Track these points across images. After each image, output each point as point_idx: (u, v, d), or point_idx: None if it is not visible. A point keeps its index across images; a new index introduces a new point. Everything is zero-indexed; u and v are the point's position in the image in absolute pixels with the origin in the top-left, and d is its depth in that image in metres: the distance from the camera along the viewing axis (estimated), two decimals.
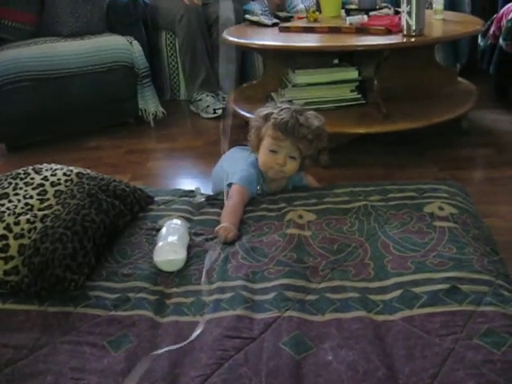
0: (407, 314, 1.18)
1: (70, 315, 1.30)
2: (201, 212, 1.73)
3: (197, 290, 1.35)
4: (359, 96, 2.58)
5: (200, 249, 1.51)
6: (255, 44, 2.48)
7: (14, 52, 2.99)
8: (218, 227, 1.55)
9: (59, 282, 1.34)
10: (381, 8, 2.76)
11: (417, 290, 1.24)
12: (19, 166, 1.79)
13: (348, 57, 2.74)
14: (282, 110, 1.69)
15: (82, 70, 3.03)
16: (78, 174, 1.66)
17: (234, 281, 1.35)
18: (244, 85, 3.20)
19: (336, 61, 2.77)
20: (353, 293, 1.27)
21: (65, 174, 1.65)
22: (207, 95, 3.44)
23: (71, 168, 1.70)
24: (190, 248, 1.51)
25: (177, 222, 1.56)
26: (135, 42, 3.17)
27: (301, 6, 3.60)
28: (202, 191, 1.84)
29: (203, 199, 1.75)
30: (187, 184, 2.49)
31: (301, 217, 1.59)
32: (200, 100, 3.44)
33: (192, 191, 1.83)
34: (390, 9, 2.73)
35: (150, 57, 3.55)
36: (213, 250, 1.47)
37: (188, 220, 1.66)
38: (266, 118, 1.70)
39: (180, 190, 1.90)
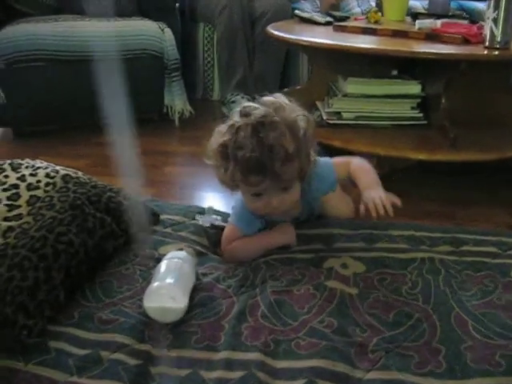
0: None
1: (16, 375, 0.94)
2: (215, 242, 1.35)
3: (196, 359, 0.97)
4: (421, 115, 2.17)
5: (207, 294, 1.13)
6: (304, 41, 2.09)
7: (30, 26, 2.65)
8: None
9: (7, 326, 0.97)
10: (454, 15, 2.35)
11: None
12: (21, 155, 1.46)
13: (410, 68, 2.33)
14: (237, 133, 1.17)
15: (106, 56, 2.68)
16: (64, 177, 1.29)
17: (248, 352, 0.97)
18: (285, 89, 2.82)
19: (395, 72, 2.37)
20: None
21: (47, 176, 1.29)
22: (242, 97, 3.06)
23: (58, 168, 1.34)
24: (194, 292, 1.13)
25: (181, 255, 1.18)
26: (167, 30, 2.81)
27: (357, 10, 3.21)
28: (221, 209, 1.48)
29: (208, 225, 1.38)
30: (208, 198, 2.11)
31: (345, 266, 1.20)
32: (234, 102, 3.07)
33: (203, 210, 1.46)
34: (465, 17, 2.32)
35: (184, 50, 3.20)
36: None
37: (199, 253, 1.28)
38: (223, 154, 1.20)
39: (196, 208, 1.52)
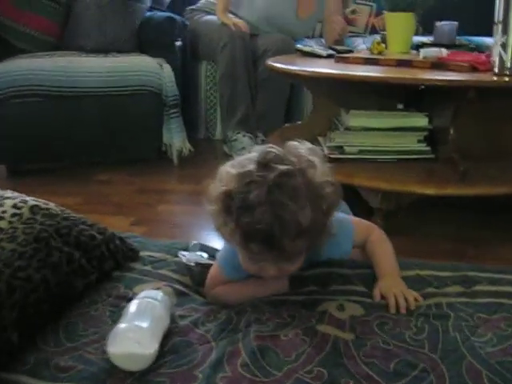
0: None
1: None
2: (199, 282, 1.21)
3: None
4: (428, 149, 2.05)
5: (182, 339, 0.99)
6: (304, 71, 1.99)
7: (26, 62, 2.60)
8: None
9: None
10: (461, 45, 2.25)
11: None
12: None
13: (416, 101, 2.23)
14: (248, 187, 0.96)
15: (102, 91, 2.61)
16: (32, 208, 1.17)
17: None
18: (286, 125, 2.72)
19: (400, 106, 2.26)
20: None
21: (15, 206, 1.17)
22: (244, 135, 2.97)
23: (28, 199, 1.22)
24: (168, 337, 0.99)
25: (156, 294, 1.04)
26: (166, 66, 2.74)
27: (362, 46, 3.14)
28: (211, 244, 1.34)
29: (192, 264, 1.23)
30: (202, 238, 1.98)
31: (341, 308, 1.05)
32: (235, 140, 2.98)
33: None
34: (472, 48, 2.22)
35: (186, 89, 3.14)
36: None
37: (179, 293, 1.15)
38: (226, 206, 0.99)
39: (180, 244, 1.39)
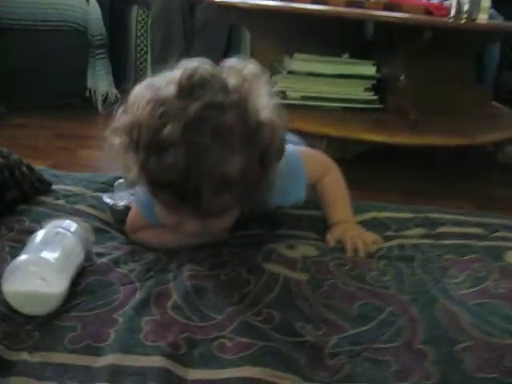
0: None
1: None
2: (122, 221, 1.02)
3: (66, 365, 0.65)
4: (375, 98, 1.92)
5: (99, 278, 0.80)
6: (245, 3, 1.79)
7: None
8: None
9: None
10: None
11: None
12: None
13: (362, 52, 2.09)
14: (162, 119, 0.74)
15: (18, 25, 2.32)
16: None
17: (146, 355, 0.65)
18: None
19: (346, 55, 2.12)
20: None
21: None
22: None
23: None
24: (81, 276, 0.80)
25: (68, 225, 0.85)
26: (92, 1, 2.47)
27: None
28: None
29: (121, 207, 1.03)
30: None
31: (292, 247, 0.89)
32: None
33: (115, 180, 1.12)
34: None
35: (115, 35, 2.88)
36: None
37: (98, 230, 0.95)
38: (131, 140, 0.77)
39: (102, 178, 1.18)
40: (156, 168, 0.74)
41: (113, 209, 1.04)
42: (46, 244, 0.78)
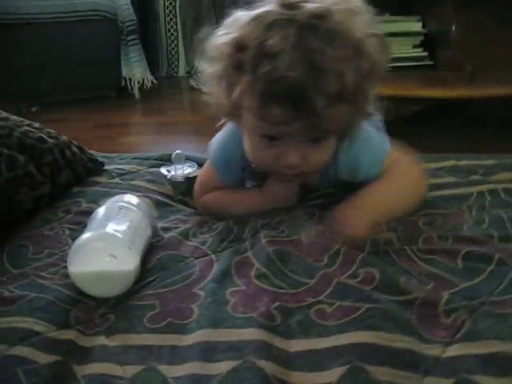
0: None
1: None
2: (184, 192, 0.95)
3: (150, 347, 0.58)
4: (425, 54, 1.81)
5: (171, 253, 0.74)
6: None
7: None
8: None
9: None
10: None
11: None
12: None
13: (401, 8, 1.98)
14: (269, 30, 0.68)
15: (47, 18, 2.27)
16: None
17: (239, 328, 0.58)
18: None
19: (387, 15, 2.01)
20: None
21: None
22: None
23: None
24: (150, 252, 0.74)
25: (131, 199, 0.78)
26: None
27: None
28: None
29: (181, 178, 0.95)
30: None
31: None
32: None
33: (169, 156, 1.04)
34: None
35: (144, 24, 2.82)
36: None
37: (161, 205, 0.89)
38: (234, 59, 0.71)
39: (156, 155, 1.11)
40: (269, 72, 0.67)
41: (172, 181, 0.98)
42: (110, 219, 0.72)
